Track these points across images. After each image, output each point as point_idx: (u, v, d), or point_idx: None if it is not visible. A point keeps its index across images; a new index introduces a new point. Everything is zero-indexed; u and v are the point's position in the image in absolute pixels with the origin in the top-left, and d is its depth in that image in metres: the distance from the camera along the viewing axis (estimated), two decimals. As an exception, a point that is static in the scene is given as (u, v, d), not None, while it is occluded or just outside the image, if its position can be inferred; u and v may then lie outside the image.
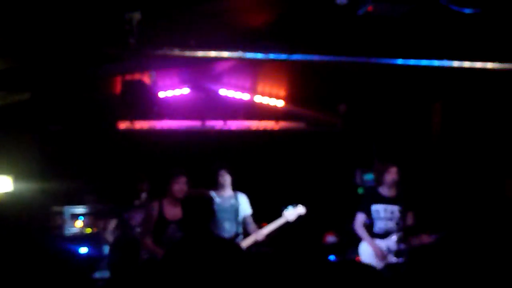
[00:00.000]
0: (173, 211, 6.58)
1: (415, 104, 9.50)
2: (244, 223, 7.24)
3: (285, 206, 7.23)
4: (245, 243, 7.06)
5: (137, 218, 7.14)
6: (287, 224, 7.25)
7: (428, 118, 9.58)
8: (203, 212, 4.33)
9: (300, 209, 7.26)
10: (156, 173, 7.08)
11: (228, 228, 7.05)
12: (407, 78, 8.19)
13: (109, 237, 7.55)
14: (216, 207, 6.96)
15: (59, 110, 8.75)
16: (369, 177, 9.91)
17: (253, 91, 9.86)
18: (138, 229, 7.05)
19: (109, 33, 6.01)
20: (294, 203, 7.29)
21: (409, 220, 7.41)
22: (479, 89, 8.24)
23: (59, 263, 7.11)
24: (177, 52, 5.88)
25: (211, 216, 4.38)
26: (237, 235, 7.09)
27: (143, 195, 7.39)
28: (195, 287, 4.09)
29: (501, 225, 7.87)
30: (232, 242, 5.78)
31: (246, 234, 7.21)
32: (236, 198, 7.23)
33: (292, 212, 7.21)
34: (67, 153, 9.36)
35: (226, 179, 7.20)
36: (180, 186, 6.66)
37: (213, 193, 7.12)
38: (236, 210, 7.15)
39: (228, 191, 7.21)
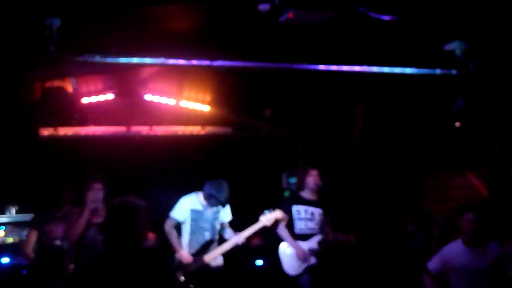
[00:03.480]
0: (94, 214, 6.53)
1: (338, 109, 9.68)
2: (220, 229, 7.22)
3: (262, 211, 7.23)
4: (225, 247, 7.02)
5: (58, 230, 6.87)
6: (264, 228, 7.25)
7: (351, 122, 9.78)
8: (126, 221, 4.17)
9: (277, 214, 7.26)
10: (78, 180, 6.95)
11: (208, 238, 7.04)
12: (330, 83, 8.33)
13: (30, 251, 7.14)
14: (199, 216, 7.00)
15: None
16: (294, 180, 10.03)
17: (179, 96, 9.83)
18: (58, 242, 6.76)
19: (29, 40, 5.89)
20: (271, 208, 7.29)
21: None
22: (398, 94, 8.47)
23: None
24: (98, 58, 5.80)
25: (135, 226, 4.20)
26: (212, 241, 7.06)
27: (66, 206, 7.07)
28: None
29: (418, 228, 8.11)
30: (156, 252, 5.70)
31: (222, 240, 7.17)
32: None
33: (269, 217, 7.21)
34: (-12, 162, 9.11)
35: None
36: (94, 193, 6.56)
37: (196, 197, 7.06)
38: (216, 215, 7.11)
39: None
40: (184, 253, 6.93)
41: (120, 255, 4.09)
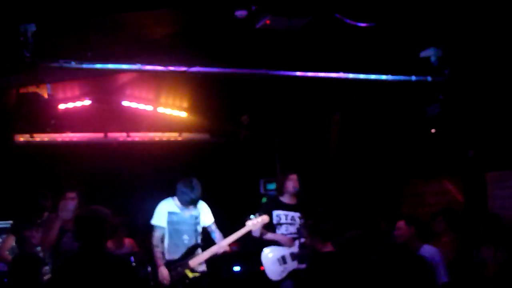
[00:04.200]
0: (68, 222, 6.50)
1: (315, 115, 9.71)
2: (207, 232, 7.16)
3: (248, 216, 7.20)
4: (205, 255, 6.96)
5: (38, 236, 6.88)
6: (249, 233, 7.22)
7: (328, 128, 9.82)
8: (93, 231, 4.24)
9: (264, 218, 7.25)
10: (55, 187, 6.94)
11: (187, 241, 6.97)
12: (307, 90, 8.37)
13: (5, 254, 7.22)
14: (176, 218, 6.94)
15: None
16: (272, 186, 10.04)
17: (156, 103, 9.81)
18: (39, 248, 6.84)
19: (3, 46, 5.85)
20: (257, 212, 7.27)
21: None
22: (374, 100, 8.53)
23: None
24: (74, 64, 5.77)
25: (102, 235, 4.27)
26: (196, 246, 7.00)
27: (45, 214, 7.07)
28: None
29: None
30: (124, 260, 5.66)
31: (211, 243, 7.11)
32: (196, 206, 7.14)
33: (255, 222, 7.18)
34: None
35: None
36: (65, 202, 6.55)
37: (172, 201, 7.03)
38: (196, 218, 7.06)
39: None
40: (163, 271, 6.83)
41: (86, 262, 4.14)
